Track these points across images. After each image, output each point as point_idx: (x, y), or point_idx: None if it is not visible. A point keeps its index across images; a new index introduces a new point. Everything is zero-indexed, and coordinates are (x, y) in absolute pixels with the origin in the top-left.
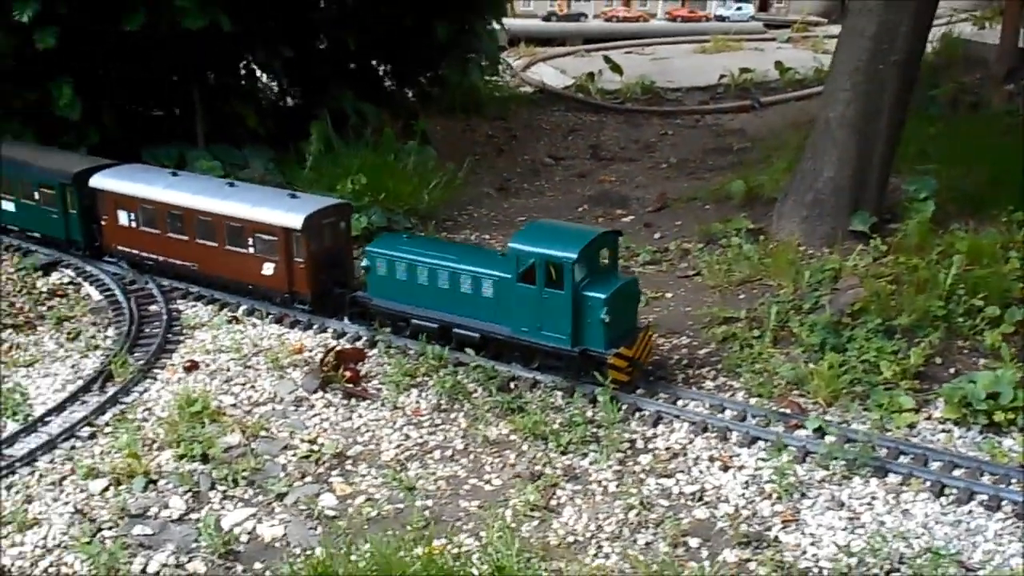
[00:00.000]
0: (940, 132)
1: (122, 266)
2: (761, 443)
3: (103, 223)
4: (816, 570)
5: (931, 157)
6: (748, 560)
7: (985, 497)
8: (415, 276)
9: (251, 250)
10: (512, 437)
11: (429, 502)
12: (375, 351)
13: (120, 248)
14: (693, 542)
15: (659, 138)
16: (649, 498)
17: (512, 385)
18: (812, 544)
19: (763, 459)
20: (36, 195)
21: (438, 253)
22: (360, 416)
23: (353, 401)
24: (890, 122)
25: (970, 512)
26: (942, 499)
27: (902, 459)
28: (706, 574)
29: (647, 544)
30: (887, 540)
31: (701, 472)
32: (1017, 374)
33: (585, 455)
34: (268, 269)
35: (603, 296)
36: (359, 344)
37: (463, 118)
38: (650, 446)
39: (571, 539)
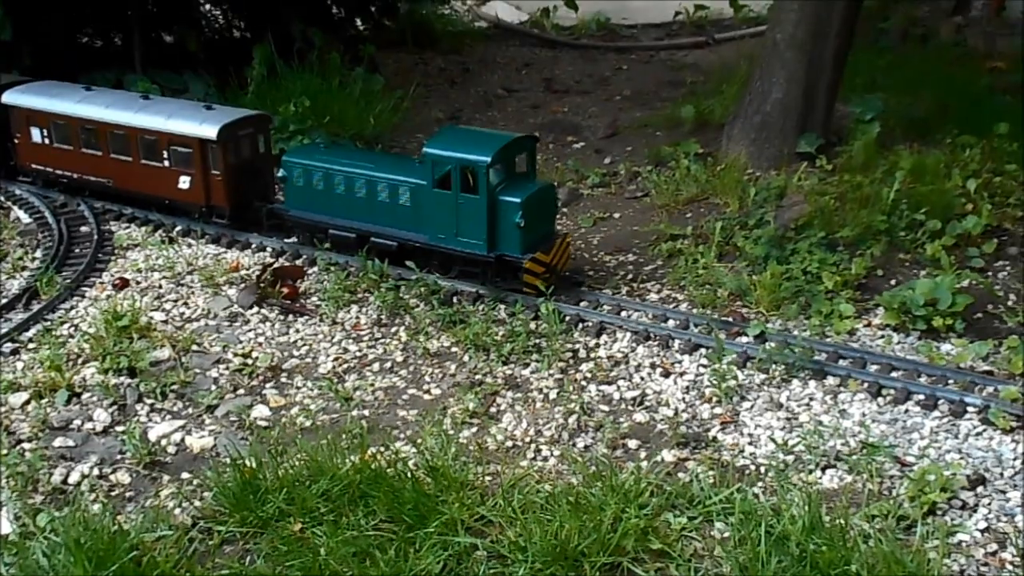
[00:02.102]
0: (889, 63)
1: (37, 185)
2: (703, 350)
3: (16, 141)
4: (753, 467)
5: (880, 87)
6: (686, 459)
7: (922, 397)
8: (332, 185)
9: (166, 163)
10: (453, 349)
11: (366, 412)
12: (315, 269)
13: (34, 166)
14: (632, 444)
15: (614, 72)
16: (590, 404)
17: (455, 299)
18: (750, 443)
19: (704, 365)
20: None
21: (355, 161)
22: (297, 331)
23: (290, 317)
24: (837, 43)
25: (907, 411)
26: (879, 399)
27: (841, 362)
28: (643, 472)
29: (586, 447)
30: (824, 438)
31: (643, 379)
32: (955, 281)
33: (527, 365)
34: (184, 183)
35: (518, 200)
36: (299, 262)
37: (416, 52)
38: (592, 355)
39: (509, 444)
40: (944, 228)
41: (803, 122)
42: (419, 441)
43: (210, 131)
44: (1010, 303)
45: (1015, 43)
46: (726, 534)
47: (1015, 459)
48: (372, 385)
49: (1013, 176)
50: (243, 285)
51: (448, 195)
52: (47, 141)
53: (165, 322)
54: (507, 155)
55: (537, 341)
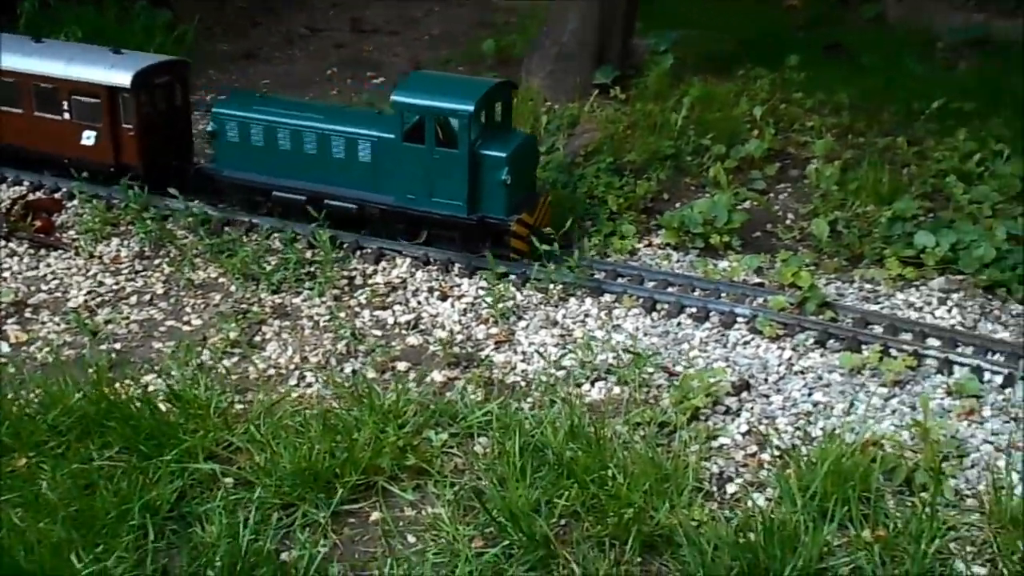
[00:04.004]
0: (694, 5)
1: None
2: (482, 272)
3: None
4: (524, 384)
5: (684, 25)
6: (456, 379)
7: (694, 309)
8: (275, 141)
9: (67, 116)
10: (221, 280)
11: (117, 345)
12: (75, 202)
13: None
14: (402, 366)
15: (425, 14)
16: (362, 330)
17: (226, 229)
18: (523, 361)
19: (484, 288)
20: None
21: (302, 113)
22: (48, 266)
23: (43, 251)
24: None
25: (679, 324)
26: (653, 314)
27: (619, 280)
28: (407, 392)
29: (353, 371)
30: (595, 352)
31: (419, 303)
32: (732, 199)
33: (299, 293)
34: (89, 138)
35: (504, 155)
36: (57, 196)
37: None
38: (370, 282)
39: (272, 372)
40: (728, 152)
41: (600, 55)
42: (173, 374)
43: (122, 78)
44: (788, 222)
45: None
46: (489, 449)
47: (780, 365)
48: (127, 319)
49: (799, 104)
50: None
51: (420, 150)
52: None
53: None
54: (488, 103)
55: (312, 269)
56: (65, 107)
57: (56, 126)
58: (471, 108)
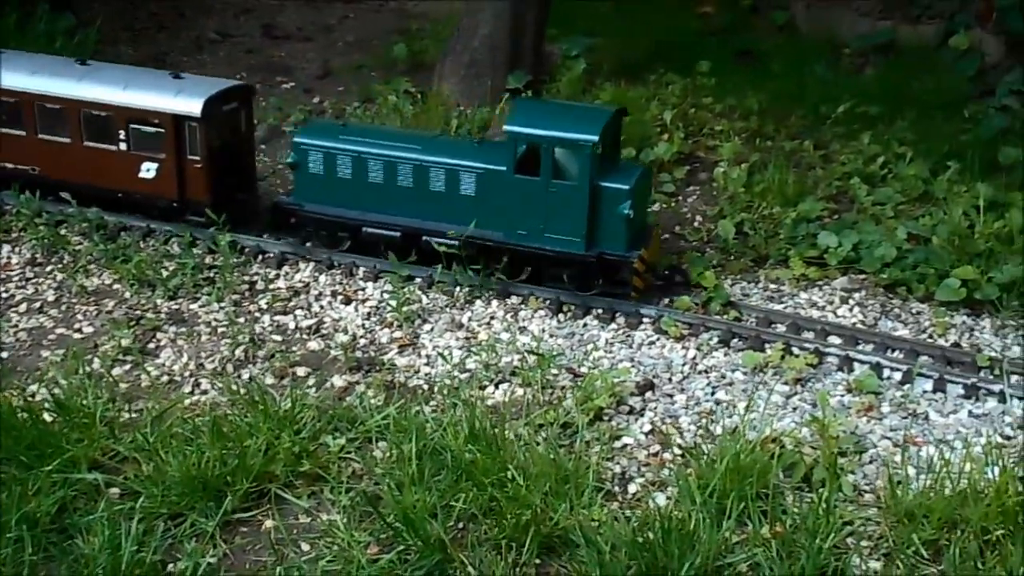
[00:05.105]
0: (608, 10)
1: None
2: (388, 276)
3: None
4: (426, 387)
5: (600, 32)
6: (357, 383)
7: (600, 311)
8: (365, 173)
9: (122, 146)
10: (115, 286)
11: (4, 354)
12: None
13: None
14: (302, 372)
15: (340, 21)
16: (261, 335)
17: (123, 235)
18: (426, 364)
19: (389, 291)
20: None
21: (394, 143)
22: None
23: None
24: None
25: (585, 325)
26: (560, 316)
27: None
28: (304, 397)
29: (251, 378)
30: (500, 354)
31: (322, 307)
32: None
33: (197, 299)
34: (148, 170)
35: (627, 187)
36: None
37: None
38: (272, 287)
39: (166, 379)
40: (638, 155)
41: (512, 60)
42: (47, 379)
43: (192, 106)
44: (696, 223)
45: None
46: (387, 453)
47: (684, 364)
48: (16, 327)
49: (709, 108)
50: None
51: (535, 182)
52: None
53: None
54: (608, 133)
55: (211, 274)
56: (121, 136)
57: (109, 157)
58: (595, 138)
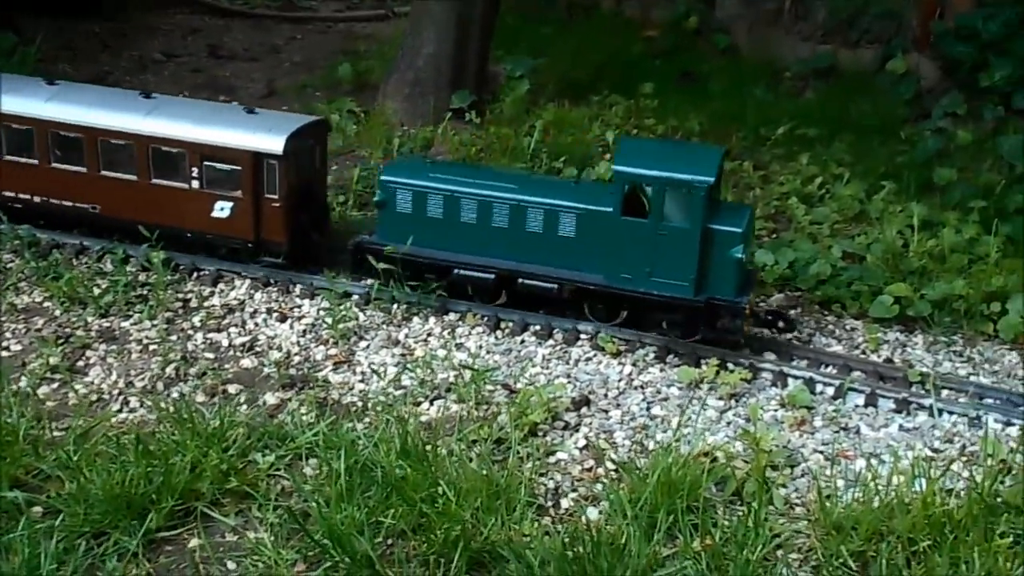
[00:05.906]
0: (554, 33)
1: None
2: (325, 293)
3: None
4: (360, 404)
5: (546, 53)
6: (289, 400)
7: (538, 327)
8: (457, 212)
9: (195, 184)
10: (46, 304)
11: None
12: None
13: None
14: (233, 389)
15: (286, 42)
16: (194, 353)
17: (54, 252)
18: (361, 381)
19: (325, 308)
20: None
21: (487, 182)
22: None
23: None
24: (485, 1)
25: (522, 342)
26: (498, 332)
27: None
28: (233, 415)
29: (182, 395)
30: (436, 371)
31: (257, 324)
32: None
33: (129, 316)
34: (223, 210)
35: (739, 230)
36: None
37: (69, 20)
38: (206, 304)
39: (94, 397)
40: (580, 175)
41: (456, 80)
42: None
43: (273, 143)
44: None
45: (666, 13)
46: (317, 470)
47: (620, 380)
48: None
49: (651, 129)
50: None
51: (642, 224)
52: None
53: None
54: (720, 173)
55: (144, 292)
56: (193, 174)
57: (179, 196)
58: (711, 179)
